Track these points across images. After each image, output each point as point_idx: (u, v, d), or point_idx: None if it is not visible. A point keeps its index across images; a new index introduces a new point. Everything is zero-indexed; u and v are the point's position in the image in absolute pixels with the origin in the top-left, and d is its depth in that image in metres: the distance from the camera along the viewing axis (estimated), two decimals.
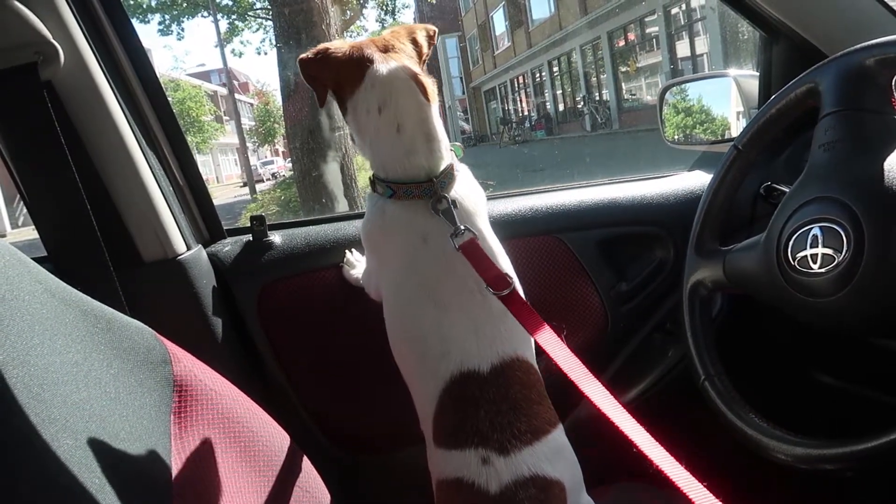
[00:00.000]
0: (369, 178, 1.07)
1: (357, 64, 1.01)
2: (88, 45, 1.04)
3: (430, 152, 1.01)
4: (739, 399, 0.95)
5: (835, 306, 0.82)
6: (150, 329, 0.79)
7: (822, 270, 0.81)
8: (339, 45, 1.04)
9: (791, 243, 0.84)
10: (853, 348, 1.06)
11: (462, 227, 0.98)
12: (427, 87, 1.03)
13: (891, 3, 1.12)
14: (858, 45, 0.85)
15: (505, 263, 1.06)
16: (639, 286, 1.34)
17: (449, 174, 1.03)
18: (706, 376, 0.99)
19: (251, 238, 1.29)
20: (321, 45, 1.03)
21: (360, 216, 1.24)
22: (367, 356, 1.17)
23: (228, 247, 1.28)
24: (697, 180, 1.39)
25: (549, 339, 0.86)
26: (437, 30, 1.12)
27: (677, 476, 0.69)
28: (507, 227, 1.29)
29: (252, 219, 1.28)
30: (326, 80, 1.04)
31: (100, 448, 0.60)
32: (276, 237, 1.29)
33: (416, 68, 1.04)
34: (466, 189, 1.06)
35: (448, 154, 1.04)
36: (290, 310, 1.27)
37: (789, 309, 0.88)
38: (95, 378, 0.68)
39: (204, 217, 1.29)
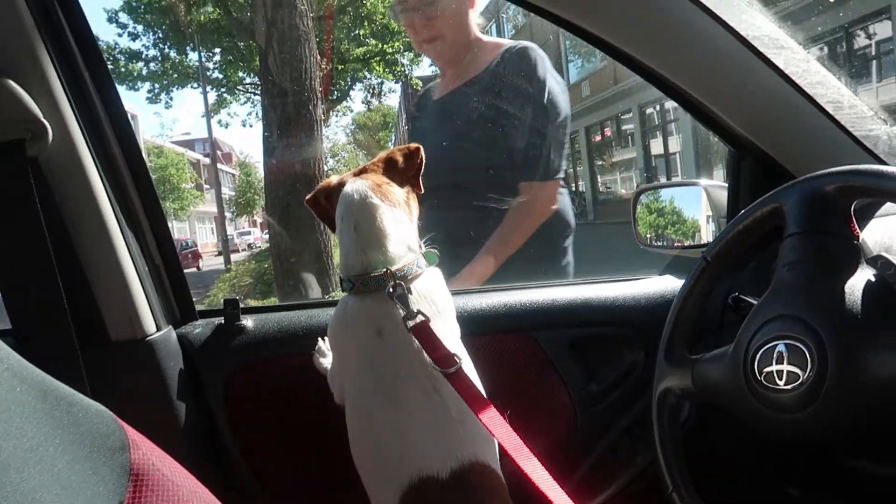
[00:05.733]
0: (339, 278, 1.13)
1: (336, 189, 1.16)
2: (77, 123, 1.05)
3: (387, 249, 1.08)
4: None
5: (799, 423, 0.83)
6: (110, 413, 0.77)
7: (788, 387, 0.82)
8: (329, 179, 1.20)
9: (758, 358, 0.86)
10: (821, 462, 1.07)
11: (415, 310, 1.01)
12: (392, 194, 1.13)
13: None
14: (821, 172, 0.90)
15: (459, 350, 1.08)
16: (609, 388, 1.34)
17: (409, 269, 1.08)
18: (674, 487, 0.98)
19: (223, 321, 1.28)
20: (320, 185, 1.21)
21: (332, 303, 1.24)
22: (335, 449, 1.14)
23: (199, 329, 1.27)
24: (668, 284, 1.42)
25: (493, 418, 0.86)
26: (419, 146, 1.22)
27: None
28: (481, 324, 1.30)
29: (225, 302, 1.28)
30: (325, 211, 1.19)
31: None
32: (248, 321, 1.28)
33: (384, 181, 1.16)
34: (429, 285, 1.10)
35: (411, 254, 1.10)
36: (259, 397, 1.25)
37: (757, 422, 0.89)
38: (49, 465, 0.65)
39: (176, 297, 1.28)
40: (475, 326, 1.28)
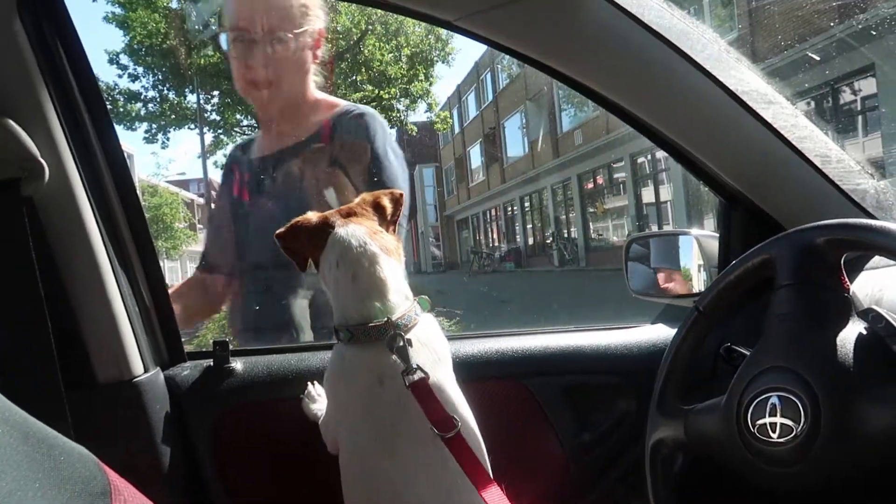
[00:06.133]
0: (333, 327, 1.11)
1: (322, 230, 1.13)
2: (74, 163, 1.06)
3: (385, 297, 1.07)
4: None
5: (793, 476, 0.82)
6: (93, 457, 0.75)
7: (782, 440, 0.82)
8: (308, 217, 1.16)
9: (751, 410, 0.85)
10: None
11: (415, 366, 1.00)
12: (386, 242, 1.12)
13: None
14: (812, 224, 0.91)
15: (464, 411, 1.07)
16: (601, 437, 1.33)
17: (408, 317, 1.07)
18: None
19: (212, 363, 1.26)
20: (293, 221, 1.15)
21: (324, 347, 1.23)
22: (323, 496, 1.12)
23: (188, 371, 1.25)
24: (660, 333, 1.42)
25: (493, 495, 0.85)
26: (402, 192, 1.23)
27: None
28: (473, 370, 1.29)
29: (215, 344, 1.26)
30: (301, 249, 1.15)
31: None
32: (237, 364, 1.27)
33: (377, 227, 1.14)
34: (428, 333, 1.09)
35: (406, 302, 1.09)
36: (246, 441, 1.23)
37: (750, 475, 0.88)
38: None
39: (166, 338, 1.26)
40: (467, 372, 1.26)
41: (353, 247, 1.09)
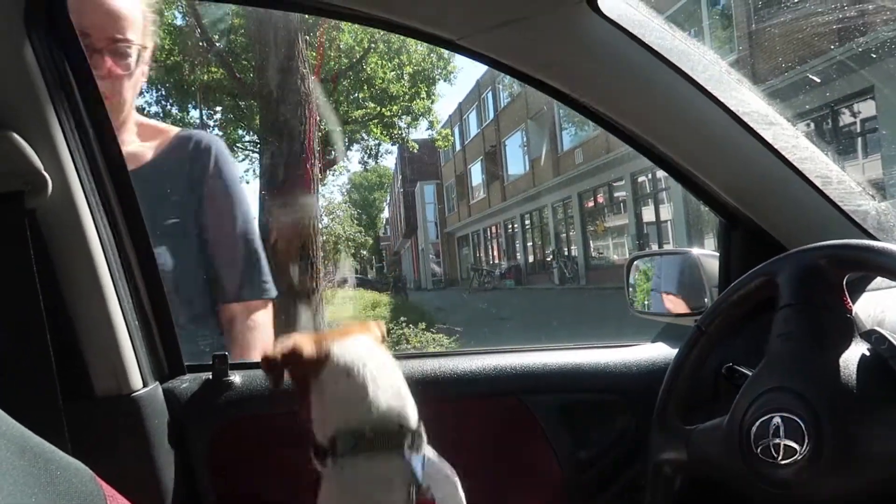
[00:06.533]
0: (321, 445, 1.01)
1: (318, 354, 1.02)
2: (77, 176, 1.06)
3: (404, 405, 1.01)
4: None
5: (795, 499, 0.82)
6: (89, 471, 0.75)
7: (784, 462, 0.81)
8: (299, 340, 1.05)
9: (753, 431, 0.85)
10: None
11: (426, 485, 0.95)
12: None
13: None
14: (813, 245, 0.92)
15: None
16: (599, 455, 1.33)
17: (420, 427, 1.01)
18: None
19: (210, 376, 1.25)
20: (286, 344, 1.04)
21: None
22: None
23: (187, 384, 1.25)
24: (660, 352, 1.42)
25: None
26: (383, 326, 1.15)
27: None
28: (470, 386, 1.28)
29: (214, 357, 1.25)
30: (291, 369, 1.05)
31: None
32: (236, 377, 1.26)
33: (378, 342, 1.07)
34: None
35: (414, 412, 1.02)
36: (245, 455, 1.22)
37: (752, 496, 0.88)
38: None
39: (166, 350, 1.26)
40: (463, 388, 1.27)
41: (362, 355, 1.01)
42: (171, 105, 16.01)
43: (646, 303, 1.54)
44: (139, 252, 1.20)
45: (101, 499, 0.74)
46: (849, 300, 0.88)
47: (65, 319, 1.06)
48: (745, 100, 1.19)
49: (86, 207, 1.07)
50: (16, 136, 0.96)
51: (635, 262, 1.61)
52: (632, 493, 1.31)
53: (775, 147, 1.17)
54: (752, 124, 1.16)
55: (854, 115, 11.79)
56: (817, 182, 1.19)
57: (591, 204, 23.79)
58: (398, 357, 1.22)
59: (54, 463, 0.71)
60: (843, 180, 1.24)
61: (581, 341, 1.51)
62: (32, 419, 0.71)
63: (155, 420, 1.13)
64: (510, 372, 1.34)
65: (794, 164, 1.18)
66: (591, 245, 23.92)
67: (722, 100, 1.15)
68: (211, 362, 1.26)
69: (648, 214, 20.12)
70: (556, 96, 1.19)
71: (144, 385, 1.15)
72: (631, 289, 1.57)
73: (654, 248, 17.73)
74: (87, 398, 1.08)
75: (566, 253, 25.24)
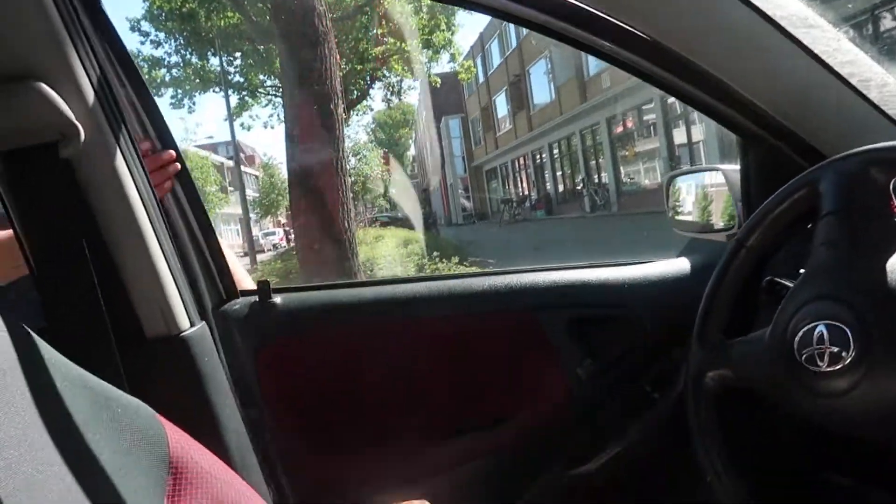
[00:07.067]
0: None
1: None
2: (107, 122, 1.07)
3: None
4: (748, 497, 0.93)
5: (842, 405, 0.81)
6: (148, 408, 0.78)
7: (830, 369, 0.81)
8: None
9: (797, 340, 0.84)
10: (863, 447, 1.05)
11: None
12: None
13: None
14: (857, 149, 0.88)
15: None
16: (606, 367, 1.37)
17: None
18: (714, 473, 0.97)
19: (257, 300, 1.33)
20: None
21: (363, 283, 1.27)
22: (370, 421, 1.21)
23: (237, 306, 1.32)
24: (670, 267, 1.43)
25: None
26: None
27: None
28: (482, 303, 1.33)
29: (258, 283, 1.34)
30: None
31: None
32: (282, 298, 1.33)
33: None
34: None
35: None
36: (293, 372, 1.30)
37: (797, 406, 0.88)
38: (92, 458, 0.66)
39: (220, 276, 1.32)
40: (478, 304, 1.33)
41: None
42: (191, 54, 15.91)
43: (683, 220, 1.54)
44: (182, 185, 1.24)
45: (162, 434, 0.77)
46: (895, 204, 0.85)
47: (110, 266, 1.08)
48: (781, 3, 1.14)
49: (118, 153, 1.08)
50: (44, 86, 0.97)
51: (674, 180, 1.61)
52: (635, 404, 1.39)
53: (814, 51, 1.12)
54: (789, 28, 1.11)
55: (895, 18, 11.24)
56: (859, 86, 1.15)
57: (620, 129, 23.28)
58: (425, 279, 1.36)
59: (115, 401, 0.74)
60: (887, 83, 1.18)
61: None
62: (89, 365, 0.74)
63: (205, 358, 1.17)
64: (521, 289, 1.38)
65: (835, 68, 1.13)
66: (622, 171, 23.53)
67: (756, 3, 1.10)
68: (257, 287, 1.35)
69: (680, 136, 19.64)
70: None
71: (192, 325, 1.18)
72: (671, 208, 1.57)
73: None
74: (138, 341, 1.12)
75: (596, 180, 24.91)
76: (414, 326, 1.32)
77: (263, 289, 1.33)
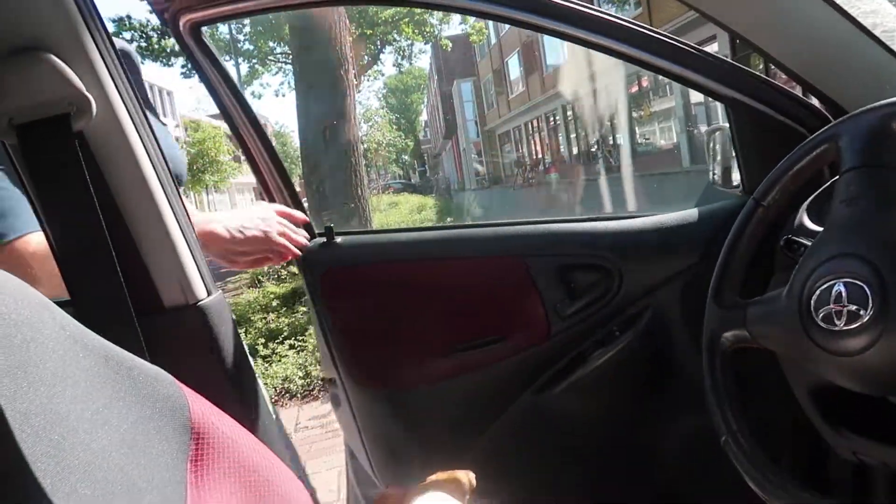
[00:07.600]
0: None
1: None
2: (118, 94, 1.06)
3: None
4: (763, 457, 0.93)
5: (860, 364, 0.80)
6: (169, 376, 0.80)
7: (847, 328, 0.80)
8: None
9: (814, 299, 0.83)
10: (881, 407, 1.04)
11: None
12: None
13: None
14: (878, 103, 0.86)
15: None
16: (584, 306, 1.51)
17: None
18: (728, 433, 0.97)
19: (325, 239, 1.60)
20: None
21: (405, 230, 1.54)
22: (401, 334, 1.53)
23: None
24: (657, 220, 1.51)
25: None
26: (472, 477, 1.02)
27: None
28: (477, 247, 1.54)
29: (325, 227, 1.62)
30: None
31: (118, 498, 0.60)
32: (339, 239, 1.60)
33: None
34: None
35: None
36: (349, 292, 1.58)
37: (814, 365, 0.87)
38: (115, 425, 0.68)
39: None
40: (470, 248, 1.54)
41: None
42: None
43: (717, 176, 1.53)
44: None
45: (183, 400, 0.79)
46: None
47: (127, 238, 1.09)
48: None
49: (131, 125, 1.07)
50: (54, 57, 0.96)
51: (713, 135, 1.61)
52: (608, 341, 1.53)
53: (836, 1, 1.09)
54: None
55: None
56: (883, 38, 1.11)
57: (634, 89, 22.90)
58: (423, 229, 1.64)
59: (136, 370, 0.75)
60: None
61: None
62: (111, 336, 0.75)
63: (222, 326, 1.18)
64: (514, 237, 1.54)
65: (858, 18, 1.10)
66: (637, 131, 23.22)
67: None
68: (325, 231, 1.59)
69: (696, 95, 19.29)
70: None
71: (209, 293, 1.19)
72: (713, 163, 1.59)
73: (703, 129, 17.15)
74: (157, 311, 1.13)
75: (611, 141, 24.63)
76: (436, 265, 1.59)
77: (328, 231, 1.60)
